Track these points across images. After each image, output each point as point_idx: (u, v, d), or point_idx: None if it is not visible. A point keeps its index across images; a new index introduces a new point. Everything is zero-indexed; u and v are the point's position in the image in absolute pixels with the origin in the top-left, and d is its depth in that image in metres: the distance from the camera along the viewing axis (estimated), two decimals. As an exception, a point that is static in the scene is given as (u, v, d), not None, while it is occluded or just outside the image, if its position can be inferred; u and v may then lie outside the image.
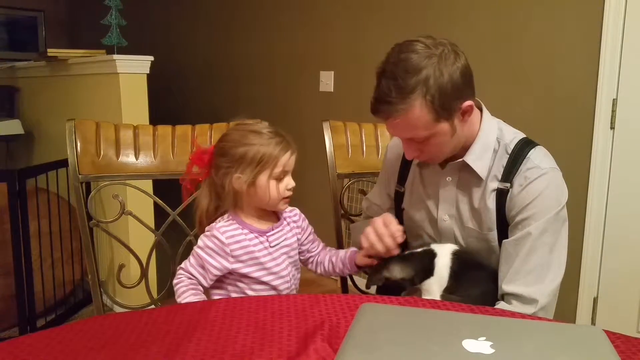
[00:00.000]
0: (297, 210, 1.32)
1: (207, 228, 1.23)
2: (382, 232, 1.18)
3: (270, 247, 1.23)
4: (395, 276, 1.15)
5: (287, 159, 1.19)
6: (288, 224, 1.29)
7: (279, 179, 1.19)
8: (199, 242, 1.21)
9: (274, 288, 1.23)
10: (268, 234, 1.23)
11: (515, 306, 1.11)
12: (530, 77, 2.27)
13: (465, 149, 1.18)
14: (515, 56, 2.31)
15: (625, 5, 1.98)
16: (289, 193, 1.22)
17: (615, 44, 2.01)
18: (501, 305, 1.13)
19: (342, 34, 3.05)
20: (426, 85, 1.03)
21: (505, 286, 1.13)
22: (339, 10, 3.06)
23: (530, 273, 1.12)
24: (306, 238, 1.33)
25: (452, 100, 1.07)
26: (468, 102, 1.10)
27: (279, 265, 1.24)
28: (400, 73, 1.04)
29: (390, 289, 1.17)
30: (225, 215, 1.24)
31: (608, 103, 2.05)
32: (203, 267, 1.20)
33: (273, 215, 1.28)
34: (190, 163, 1.26)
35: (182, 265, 1.22)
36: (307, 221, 1.34)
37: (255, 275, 1.21)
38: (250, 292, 1.22)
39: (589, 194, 2.11)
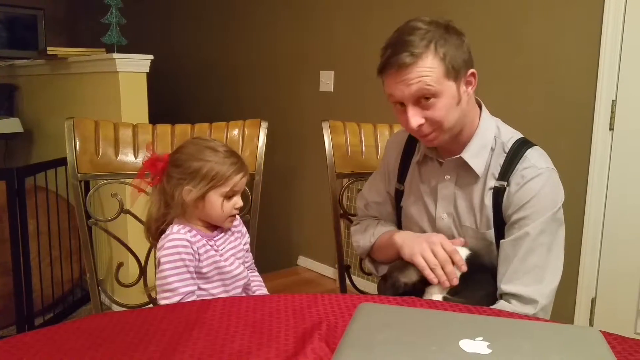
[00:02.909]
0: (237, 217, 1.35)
1: (160, 239, 1.22)
2: (443, 257, 1.13)
3: (219, 250, 1.25)
4: (411, 279, 1.14)
5: (238, 180, 1.22)
6: (230, 229, 1.30)
7: (228, 197, 1.22)
8: (165, 252, 1.19)
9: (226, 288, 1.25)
10: (215, 238, 1.26)
11: (515, 306, 1.12)
12: (530, 77, 2.27)
13: (463, 145, 1.19)
14: (514, 57, 2.31)
15: (624, 6, 1.98)
16: (236, 212, 1.25)
17: (615, 45, 2.01)
18: (501, 304, 1.13)
19: (343, 34, 3.05)
20: (437, 43, 1.09)
21: (504, 286, 1.14)
22: (340, 10, 3.06)
23: (529, 273, 1.12)
24: (244, 244, 1.35)
25: (460, 62, 1.11)
26: (473, 70, 1.15)
27: (231, 265, 1.25)
28: (410, 36, 1.10)
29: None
30: (173, 225, 1.23)
31: (607, 104, 2.05)
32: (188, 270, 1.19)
33: (218, 229, 1.29)
34: (143, 168, 1.27)
35: (165, 289, 1.17)
36: (245, 229, 1.37)
37: (210, 278, 1.22)
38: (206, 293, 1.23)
39: (587, 194, 2.11)
